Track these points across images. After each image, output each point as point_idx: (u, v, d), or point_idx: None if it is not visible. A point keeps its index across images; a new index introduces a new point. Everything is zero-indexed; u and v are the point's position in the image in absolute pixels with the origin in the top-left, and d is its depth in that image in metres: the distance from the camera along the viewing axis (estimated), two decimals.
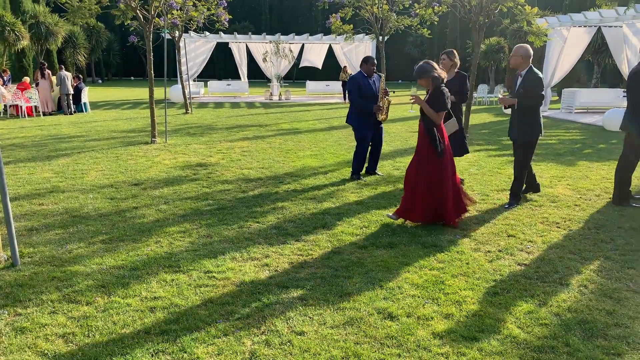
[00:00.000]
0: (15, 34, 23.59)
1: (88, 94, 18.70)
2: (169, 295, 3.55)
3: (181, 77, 18.75)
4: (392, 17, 13.68)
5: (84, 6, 10.01)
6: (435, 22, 13.72)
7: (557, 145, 10.57)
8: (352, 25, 14.89)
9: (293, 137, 11.70)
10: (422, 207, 5.03)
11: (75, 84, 17.14)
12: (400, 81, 59.31)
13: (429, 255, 4.37)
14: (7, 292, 3.59)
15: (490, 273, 4.01)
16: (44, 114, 16.19)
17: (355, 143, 7.30)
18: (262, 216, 5.44)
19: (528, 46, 5.59)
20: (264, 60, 25.47)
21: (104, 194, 6.29)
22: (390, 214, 5.29)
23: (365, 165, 7.50)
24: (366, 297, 3.56)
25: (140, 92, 30.00)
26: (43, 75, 16.53)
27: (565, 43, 17.48)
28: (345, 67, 24.54)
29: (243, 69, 27.31)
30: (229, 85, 27.69)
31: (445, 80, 5.06)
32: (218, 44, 25.91)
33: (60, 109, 16.84)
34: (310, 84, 29.30)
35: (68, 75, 16.50)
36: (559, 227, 5.16)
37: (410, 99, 5.09)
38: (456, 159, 6.55)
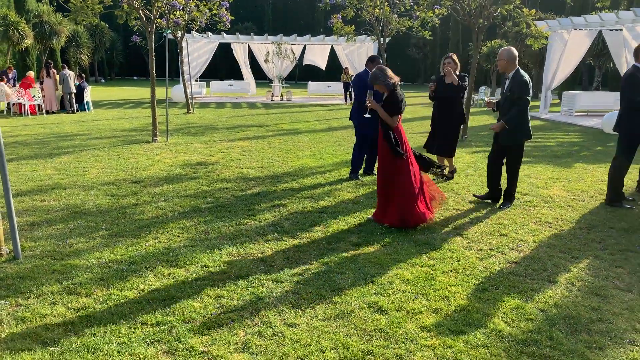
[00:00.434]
0: (19, 32, 23.71)
1: (91, 93, 18.84)
2: (166, 288, 3.65)
3: (183, 77, 18.87)
4: (394, 19, 13.73)
5: (87, 6, 10.13)
6: (437, 25, 13.79)
7: (555, 148, 10.65)
8: (353, 27, 14.93)
9: (293, 137, 11.80)
10: (396, 211, 5.06)
11: (78, 83, 17.28)
12: (402, 83, 59.32)
13: (421, 252, 4.46)
14: (9, 283, 3.70)
15: (481, 270, 4.10)
16: (47, 113, 16.32)
17: (355, 143, 7.36)
18: (259, 214, 5.54)
19: (511, 48, 5.63)
20: (266, 60, 25.58)
21: (105, 191, 6.40)
22: (371, 216, 5.43)
23: (363, 165, 7.59)
24: (358, 291, 3.66)
25: (142, 92, 30.13)
26: (48, 74, 16.66)
27: (566, 46, 17.55)
28: (346, 68, 24.63)
29: (248, 69, 27.39)
30: (230, 85, 27.81)
31: (397, 84, 5.10)
32: (220, 44, 26.02)
33: (63, 108, 16.98)
34: (312, 85, 29.41)
35: (71, 74, 16.64)
36: (551, 227, 5.25)
37: (367, 104, 5.20)
38: (456, 159, 6.59)
